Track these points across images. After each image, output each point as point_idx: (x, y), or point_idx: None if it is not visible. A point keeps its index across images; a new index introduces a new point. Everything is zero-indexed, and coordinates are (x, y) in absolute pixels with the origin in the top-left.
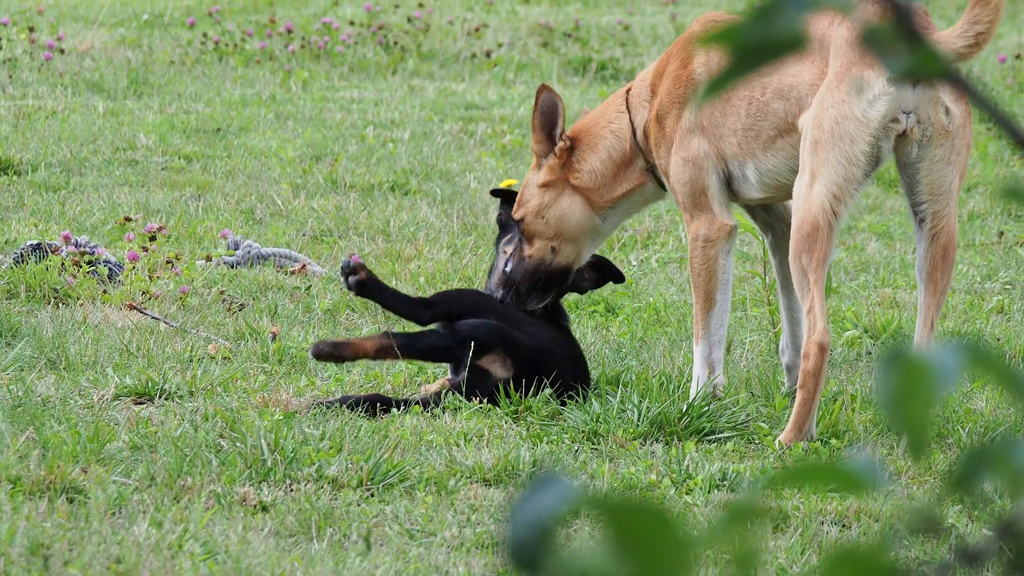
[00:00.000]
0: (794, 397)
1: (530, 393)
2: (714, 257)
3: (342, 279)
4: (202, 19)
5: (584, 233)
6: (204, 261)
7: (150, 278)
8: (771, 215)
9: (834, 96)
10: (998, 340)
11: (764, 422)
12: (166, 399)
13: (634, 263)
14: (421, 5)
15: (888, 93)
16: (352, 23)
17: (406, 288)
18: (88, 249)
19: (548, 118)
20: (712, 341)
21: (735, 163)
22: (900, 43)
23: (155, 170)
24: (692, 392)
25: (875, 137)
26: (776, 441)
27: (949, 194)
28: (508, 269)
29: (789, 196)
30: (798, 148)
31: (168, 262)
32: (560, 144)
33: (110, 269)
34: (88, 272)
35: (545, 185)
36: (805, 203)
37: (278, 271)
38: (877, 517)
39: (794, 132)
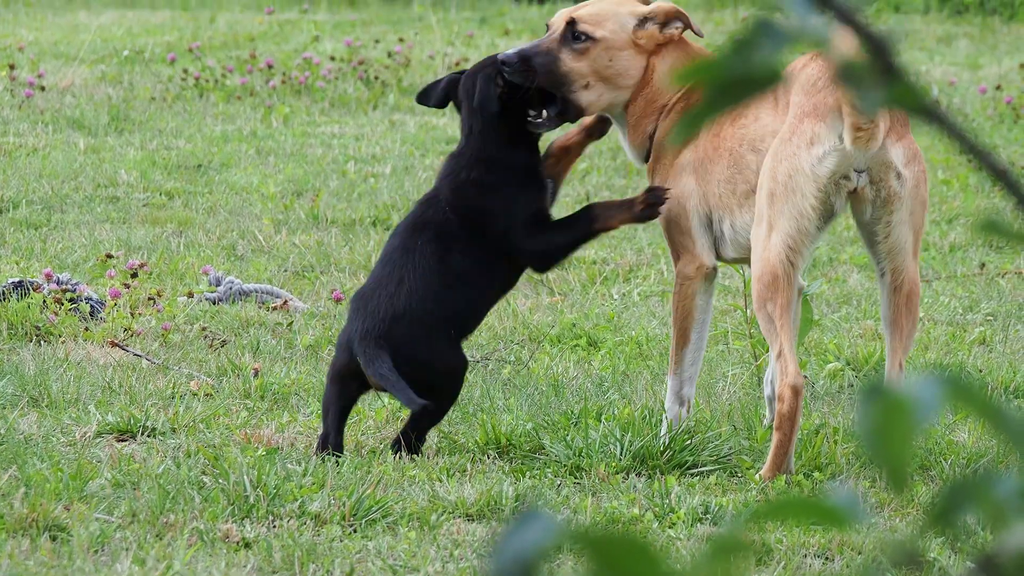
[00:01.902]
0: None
1: None
2: (691, 295)
3: None
4: (183, 55)
5: (615, 103)
6: (186, 298)
7: (132, 315)
8: None
9: (787, 148)
10: (980, 372)
11: (746, 455)
12: (148, 436)
13: (616, 296)
14: (401, 40)
15: (838, 150)
16: (333, 58)
17: None
18: (70, 286)
19: (680, 15)
20: (684, 377)
21: (715, 215)
22: (876, 77)
23: (136, 207)
24: (663, 427)
25: (825, 193)
26: (757, 475)
27: (906, 251)
28: (539, 53)
29: None
30: None
31: (150, 299)
32: (674, 31)
33: (92, 306)
34: (70, 309)
35: (635, 42)
36: (764, 253)
37: (260, 307)
38: (860, 550)
39: None
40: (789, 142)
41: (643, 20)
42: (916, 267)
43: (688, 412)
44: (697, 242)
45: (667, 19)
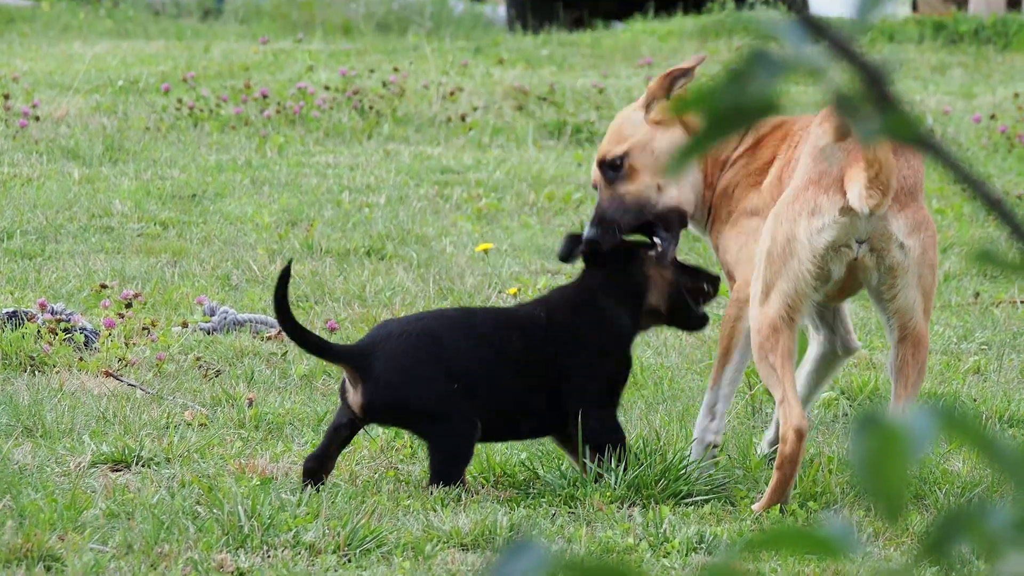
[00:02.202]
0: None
1: None
2: (741, 319)
3: None
4: (177, 85)
5: (695, 183)
6: (180, 328)
7: (126, 345)
8: None
9: (789, 212)
10: (974, 401)
11: (741, 484)
12: (143, 466)
13: None
14: (396, 70)
15: (839, 223)
16: (327, 88)
17: None
18: (64, 316)
19: (684, 72)
20: (720, 393)
21: None
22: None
23: (131, 236)
24: (696, 432)
25: (823, 260)
26: (754, 506)
27: (915, 311)
28: (604, 206)
29: None
30: None
31: (144, 329)
32: (680, 90)
33: (86, 336)
34: (64, 339)
35: (657, 122)
36: (763, 308)
37: (254, 337)
38: None
39: None
40: (791, 206)
41: (647, 104)
42: (926, 324)
43: (718, 426)
44: None
45: (666, 88)
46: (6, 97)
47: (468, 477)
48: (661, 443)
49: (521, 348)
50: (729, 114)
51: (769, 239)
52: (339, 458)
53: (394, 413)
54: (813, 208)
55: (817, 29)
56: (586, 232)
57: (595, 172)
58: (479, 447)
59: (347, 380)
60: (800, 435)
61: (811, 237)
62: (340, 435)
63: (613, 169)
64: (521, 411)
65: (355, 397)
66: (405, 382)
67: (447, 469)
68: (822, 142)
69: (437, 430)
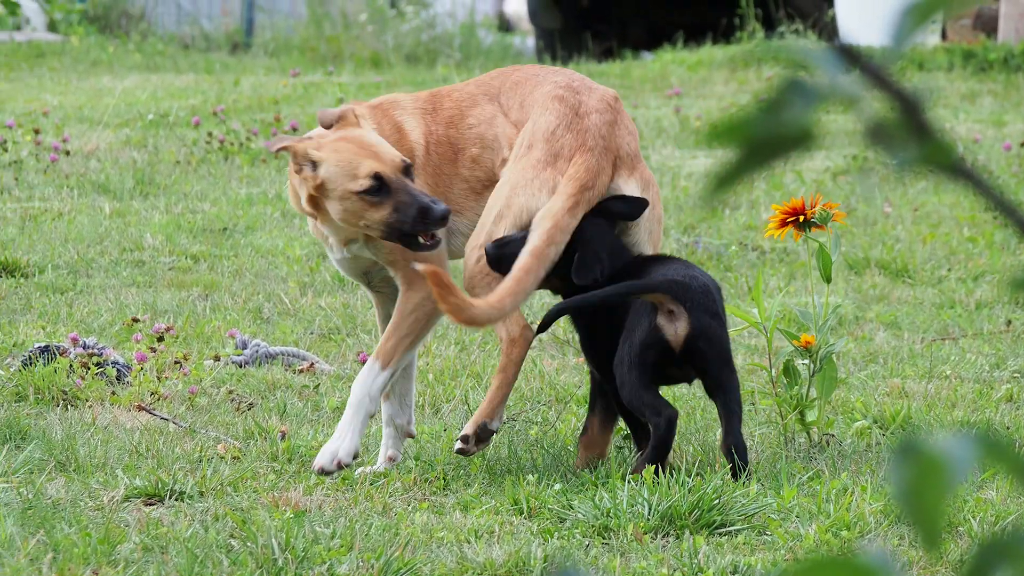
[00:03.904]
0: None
1: None
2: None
3: None
4: (207, 119)
5: None
6: (212, 361)
7: (158, 379)
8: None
9: (529, 188)
10: (1007, 429)
11: (774, 514)
12: (176, 500)
13: None
14: None
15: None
16: None
17: (418, 388)
18: (96, 351)
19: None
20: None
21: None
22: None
23: (162, 270)
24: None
25: None
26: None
27: None
28: None
29: None
30: None
31: (176, 362)
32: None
33: (118, 370)
34: (96, 374)
35: None
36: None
37: (286, 370)
38: None
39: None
40: (531, 183)
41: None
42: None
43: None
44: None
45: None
46: (36, 132)
47: (502, 509)
48: (695, 473)
49: None
50: (764, 144)
51: (503, 203)
52: (372, 490)
53: (709, 347)
54: (552, 188)
55: (851, 57)
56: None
57: None
58: (512, 477)
59: (662, 317)
60: (527, 340)
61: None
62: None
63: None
64: None
65: (679, 328)
66: (716, 318)
67: (742, 412)
68: (557, 126)
69: (732, 372)
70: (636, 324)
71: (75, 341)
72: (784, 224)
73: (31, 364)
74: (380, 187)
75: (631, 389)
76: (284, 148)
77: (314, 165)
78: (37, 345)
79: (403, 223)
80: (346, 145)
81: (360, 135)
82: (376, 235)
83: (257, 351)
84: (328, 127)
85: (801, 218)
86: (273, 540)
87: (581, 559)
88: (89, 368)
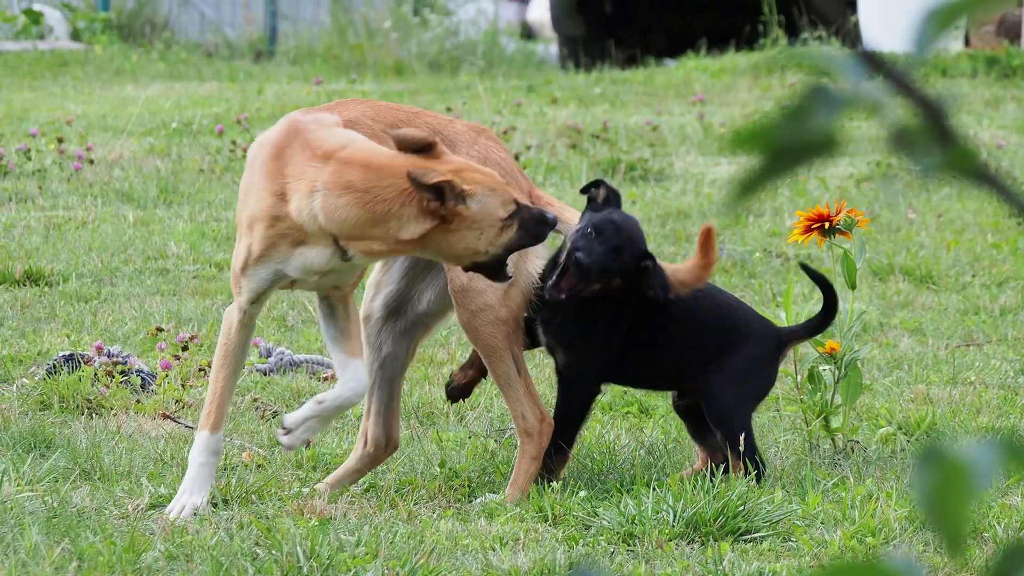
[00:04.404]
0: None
1: None
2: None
3: None
4: (231, 127)
5: None
6: None
7: (183, 387)
8: None
9: None
10: None
11: (799, 521)
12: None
13: None
14: (449, 109)
15: None
16: None
17: (442, 395)
18: (120, 359)
19: None
20: None
21: None
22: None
23: (186, 278)
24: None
25: None
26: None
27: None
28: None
29: None
30: None
31: (201, 370)
32: None
33: (143, 379)
34: (121, 382)
35: None
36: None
37: (311, 378)
38: None
39: None
40: None
41: None
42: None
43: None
44: None
45: None
46: (60, 140)
47: (527, 516)
48: (720, 480)
49: None
50: (788, 150)
51: None
52: (397, 497)
53: None
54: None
55: (875, 64)
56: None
57: None
58: (537, 485)
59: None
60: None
61: None
62: None
63: None
64: None
65: None
66: None
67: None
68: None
69: None
70: (761, 365)
71: (99, 350)
72: (809, 230)
73: (56, 373)
74: (516, 209)
75: (746, 426)
76: (444, 183)
77: (463, 198)
78: (62, 354)
79: (525, 239)
80: (483, 176)
81: (471, 163)
82: (485, 258)
83: (281, 359)
84: (407, 149)
85: (826, 224)
86: (298, 548)
87: (606, 566)
88: (114, 376)
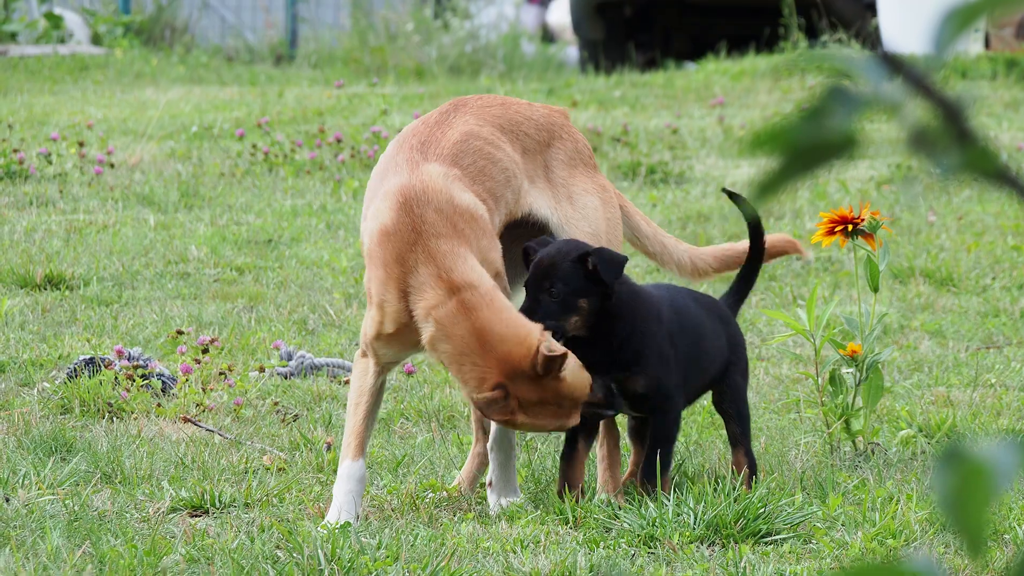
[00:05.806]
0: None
1: None
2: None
3: None
4: (251, 130)
5: None
6: (257, 372)
7: (204, 390)
8: None
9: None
10: None
11: (820, 523)
12: (222, 511)
13: None
14: None
15: None
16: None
17: (464, 399)
18: (141, 363)
19: None
20: None
21: None
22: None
23: (207, 282)
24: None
25: None
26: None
27: None
28: None
29: None
30: None
31: (221, 374)
32: None
33: (163, 382)
34: (142, 386)
35: None
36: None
37: (331, 381)
38: None
39: None
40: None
41: None
42: None
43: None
44: None
45: None
46: (81, 144)
47: (548, 519)
48: (740, 482)
49: None
50: (808, 152)
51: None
52: (418, 500)
53: None
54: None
55: (894, 65)
56: None
57: None
58: (558, 487)
59: None
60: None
61: None
62: None
63: None
64: None
65: None
66: None
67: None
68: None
69: None
70: (742, 362)
71: (120, 353)
72: (831, 232)
73: (76, 376)
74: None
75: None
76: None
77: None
78: (82, 357)
79: None
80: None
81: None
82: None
83: (302, 362)
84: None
85: (849, 226)
86: (319, 551)
87: (627, 568)
88: (134, 380)
